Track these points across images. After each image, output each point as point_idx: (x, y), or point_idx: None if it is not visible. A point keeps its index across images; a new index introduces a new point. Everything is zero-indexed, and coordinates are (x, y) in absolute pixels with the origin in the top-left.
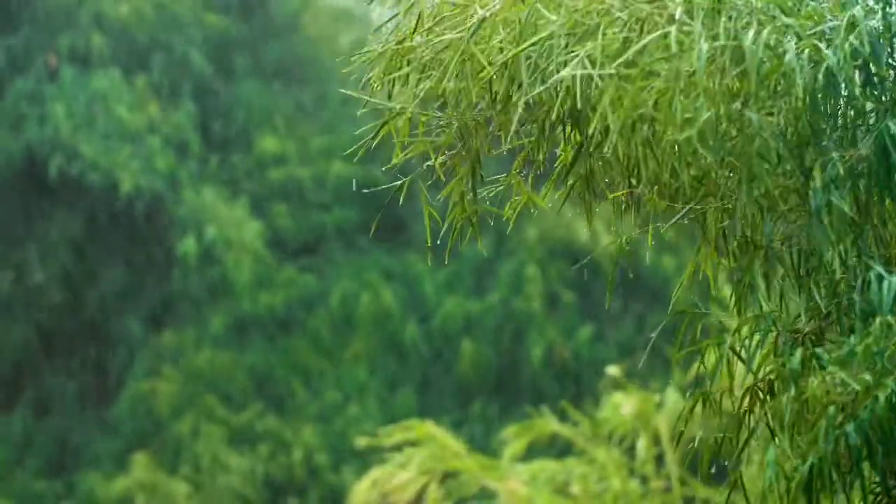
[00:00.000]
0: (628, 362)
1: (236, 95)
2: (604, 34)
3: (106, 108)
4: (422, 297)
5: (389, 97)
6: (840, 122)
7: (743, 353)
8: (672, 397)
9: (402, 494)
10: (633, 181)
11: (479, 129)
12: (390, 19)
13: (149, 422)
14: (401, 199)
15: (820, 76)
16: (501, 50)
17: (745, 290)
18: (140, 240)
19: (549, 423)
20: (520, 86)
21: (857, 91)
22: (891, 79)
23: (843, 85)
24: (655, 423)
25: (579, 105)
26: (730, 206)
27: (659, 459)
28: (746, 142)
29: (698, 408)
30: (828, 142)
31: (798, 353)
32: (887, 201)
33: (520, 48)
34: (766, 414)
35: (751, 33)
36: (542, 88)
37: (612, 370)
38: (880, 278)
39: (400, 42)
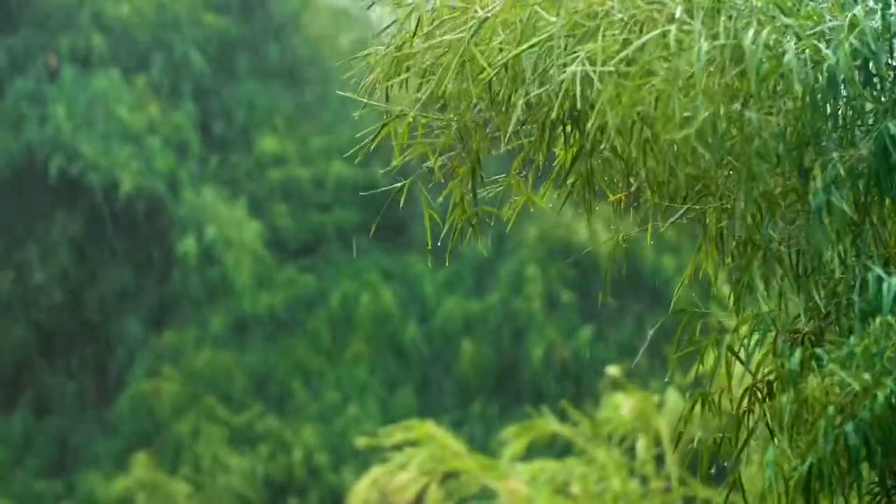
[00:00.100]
0: (628, 362)
1: (236, 95)
2: (603, 35)
3: (106, 108)
4: (422, 298)
5: (387, 99)
6: (840, 122)
7: (742, 353)
8: (672, 397)
9: (402, 495)
10: (633, 180)
11: (478, 131)
12: (390, 26)
13: (149, 422)
14: (401, 202)
15: (820, 76)
16: (501, 51)
17: (743, 290)
18: (140, 240)
19: (549, 423)
20: (520, 86)
21: (858, 91)
22: (890, 79)
23: (842, 85)
24: (655, 424)
25: (579, 105)
26: (729, 205)
27: (659, 459)
28: (745, 141)
29: (698, 408)
30: (827, 142)
31: (797, 353)
32: (887, 201)
33: (520, 49)
34: (764, 414)
35: (750, 33)
36: (542, 90)
37: (612, 370)
38: (879, 279)
39: (400, 47)
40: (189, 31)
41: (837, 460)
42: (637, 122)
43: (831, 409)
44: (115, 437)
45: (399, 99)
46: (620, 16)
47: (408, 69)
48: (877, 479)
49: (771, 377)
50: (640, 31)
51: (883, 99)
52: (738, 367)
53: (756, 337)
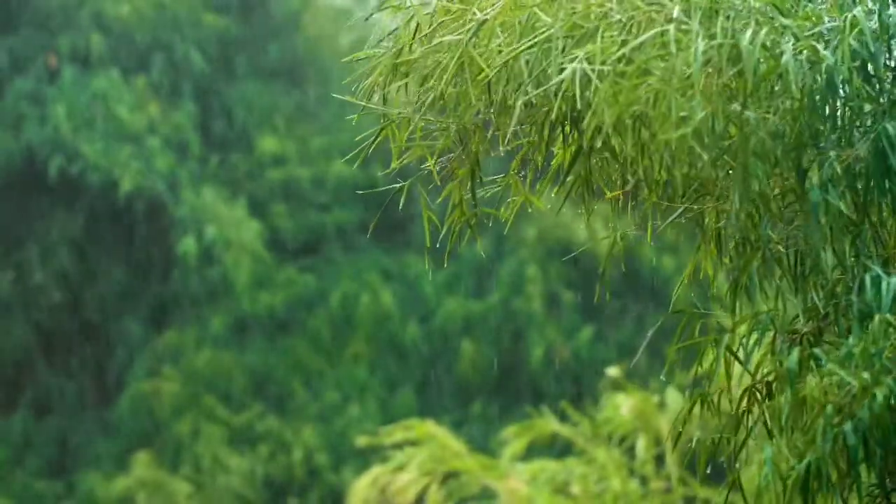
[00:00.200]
0: (628, 362)
1: (236, 95)
2: (602, 37)
3: (106, 108)
4: (422, 298)
5: (384, 102)
6: (838, 123)
7: (740, 353)
8: (673, 397)
9: (403, 496)
10: (631, 179)
11: (477, 133)
12: (391, 33)
13: (149, 422)
14: (401, 204)
15: (819, 77)
16: (500, 52)
17: (741, 290)
18: (140, 240)
19: (549, 423)
20: (518, 87)
21: (856, 92)
22: (889, 80)
23: (841, 86)
24: (656, 424)
25: (579, 105)
26: (727, 206)
27: (659, 460)
28: (742, 141)
29: (697, 408)
30: (826, 142)
31: (795, 352)
32: (886, 201)
33: (519, 49)
34: (763, 414)
35: (748, 33)
36: (540, 90)
37: (612, 371)
38: (878, 279)
39: (398, 52)
40: (189, 31)
41: (836, 460)
42: (634, 122)
43: (830, 408)
44: (116, 437)
45: (397, 101)
46: (619, 17)
47: (407, 73)
48: (876, 480)
49: (770, 377)
50: (639, 32)
51: (882, 100)
52: (737, 368)
53: (755, 337)
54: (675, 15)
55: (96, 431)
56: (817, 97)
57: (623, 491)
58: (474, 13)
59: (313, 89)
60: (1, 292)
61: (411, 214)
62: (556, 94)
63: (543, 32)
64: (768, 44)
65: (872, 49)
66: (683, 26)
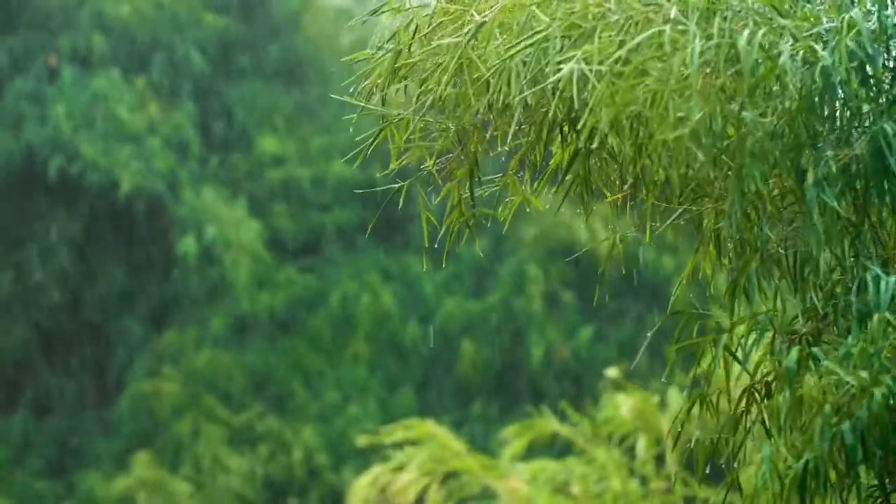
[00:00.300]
0: (628, 362)
1: (236, 95)
2: (600, 37)
3: (106, 108)
4: (422, 298)
5: (383, 102)
6: (837, 123)
7: (739, 354)
8: (674, 397)
9: (403, 496)
10: (630, 179)
11: (476, 133)
12: (391, 38)
13: (149, 422)
14: (399, 204)
15: (816, 77)
16: (499, 56)
17: (740, 291)
18: (140, 240)
19: (549, 423)
20: (516, 87)
21: (854, 92)
22: (887, 80)
23: (839, 86)
24: (656, 424)
25: (576, 105)
26: (726, 206)
27: (660, 460)
28: (740, 142)
29: (696, 409)
30: (824, 143)
31: (794, 352)
32: (885, 202)
33: (517, 49)
34: (761, 413)
35: (745, 34)
36: (537, 88)
37: (611, 372)
38: (877, 279)
39: (398, 54)
40: (189, 31)
41: (835, 460)
42: (631, 122)
43: (828, 408)
44: (116, 437)
45: (396, 102)
46: (616, 17)
47: (406, 75)
48: (876, 480)
49: (769, 377)
50: (637, 32)
51: (880, 100)
52: (737, 368)
53: (753, 337)
54: (672, 16)
55: (96, 431)
56: (815, 98)
57: (623, 491)
58: (472, 15)
59: (313, 89)
60: (1, 292)
61: (411, 215)
62: (553, 93)
63: (541, 32)
64: (765, 44)
65: (870, 50)
66: (680, 27)
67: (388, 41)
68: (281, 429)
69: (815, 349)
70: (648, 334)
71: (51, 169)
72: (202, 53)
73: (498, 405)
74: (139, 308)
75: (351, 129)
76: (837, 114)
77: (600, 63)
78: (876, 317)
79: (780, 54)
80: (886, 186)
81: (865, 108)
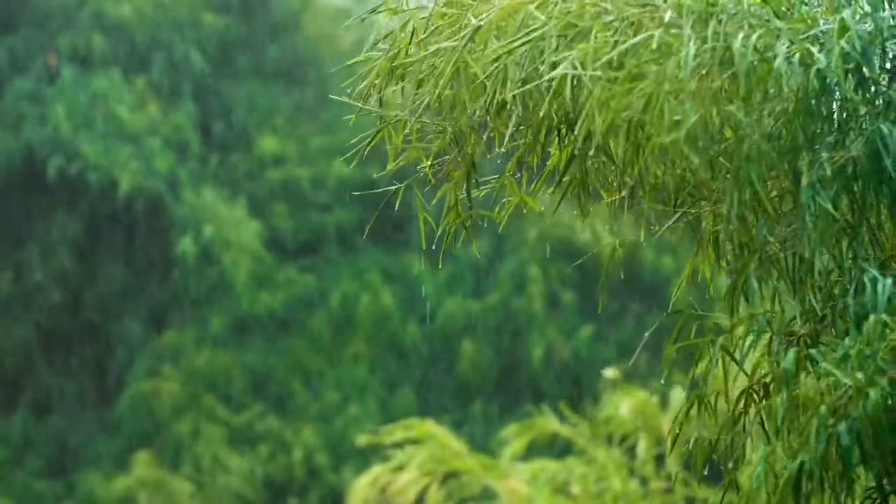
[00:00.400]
0: (627, 363)
1: (236, 95)
2: (595, 37)
3: (106, 108)
4: (422, 298)
5: (381, 104)
6: (834, 125)
7: (737, 355)
8: (676, 396)
9: (403, 496)
10: (628, 181)
11: (473, 135)
12: (386, 36)
13: (149, 422)
14: (396, 205)
15: (812, 79)
16: (496, 60)
17: (739, 293)
18: (140, 240)
19: (549, 423)
20: (511, 85)
21: (849, 94)
22: (884, 82)
23: (835, 88)
24: (656, 424)
25: (569, 108)
26: (724, 209)
27: (660, 460)
28: (737, 144)
29: (695, 409)
30: (821, 145)
31: (791, 353)
32: (882, 203)
33: (512, 46)
34: (759, 414)
35: (740, 36)
36: (531, 85)
37: (610, 373)
38: (875, 280)
39: (395, 55)
40: (189, 31)
41: (831, 461)
42: (627, 125)
43: (824, 409)
44: (116, 437)
45: (394, 103)
46: (612, 17)
47: (403, 76)
48: (874, 482)
49: (767, 379)
50: (633, 33)
51: (877, 101)
52: (735, 369)
53: (751, 338)
54: (666, 19)
55: (96, 431)
56: (812, 100)
57: (623, 491)
58: (469, 19)
59: (313, 89)
60: (1, 292)
61: (411, 215)
62: (547, 91)
63: (537, 30)
64: (761, 47)
65: (864, 51)
66: (674, 30)
67: (382, 41)
68: (281, 429)
69: (812, 351)
70: (646, 334)
71: (50, 169)
72: (202, 53)
73: (498, 405)
74: (139, 308)
75: (354, 125)
76: (834, 115)
77: (595, 63)
78: (872, 318)
79: (775, 57)
80: (883, 188)
81: (862, 109)
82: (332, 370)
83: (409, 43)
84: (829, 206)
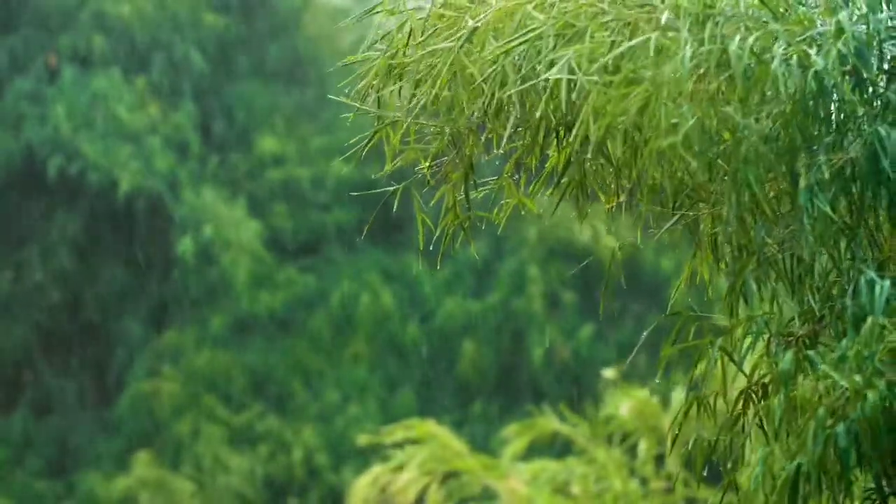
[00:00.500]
0: (625, 363)
1: (236, 95)
2: (592, 37)
3: (106, 108)
4: (422, 298)
5: (378, 105)
6: (832, 126)
7: (736, 356)
8: (677, 396)
9: (403, 495)
10: (626, 184)
11: (471, 136)
12: (385, 36)
13: (149, 422)
14: (394, 206)
15: (809, 81)
16: (494, 62)
17: (737, 294)
18: (140, 240)
19: (550, 422)
20: (508, 85)
21: (847, 96)
22: (881, 83)
23: (832, 90)
24: (657, 423)
25: (564, 108)
26: (722, 211)
27: (660, 460)
28: (734, 146)
29: (694, 410)
30: (819, 146)
31: (789, 354)
32: (880, 205)
33: (509, 45)
34: (758, 415)
35: (737, 39)
36: (528, 84)
37: (609, 373)
38: (872, 282)
39: (392, 56)
40: (189, 31)
41: (829, 463)
42: (625, 129)
43: (822, 410)
44: (116, 436)
45: (392, 104)
46: (609, 18)
47: (401, 77)
48: (872, 483)
49: (766, 380)
50: (630, 33)
51: (875, 103)
52: (735, 370)
53: (749, 340)
54: (663, 21)
55: (96, 431)
56: (810, 101)
57: (623, 491)
58: (467, 21)
59: (313, 89)
60: (1, 292)
61: (411, 215)
62: (544, 91)
63: (535, 30)
64: (757, 49)
65: (861, 53)
66: (671, 34)
67: (380, 41)
68: (281, 429)
69: (810, 352)
70: (644, 335)
71: (51, 169)
72: (202, 53)
73: (498, 405)
74: (139, 308)
75: (354, 125)
76: (832, 117)
77: (591, 64)
78: (869, 321)
79: (772, 59)
80: (881, 189)
81: (860, 111)
82: (332, 370)
83: (407, 44)
84: (828, 209)
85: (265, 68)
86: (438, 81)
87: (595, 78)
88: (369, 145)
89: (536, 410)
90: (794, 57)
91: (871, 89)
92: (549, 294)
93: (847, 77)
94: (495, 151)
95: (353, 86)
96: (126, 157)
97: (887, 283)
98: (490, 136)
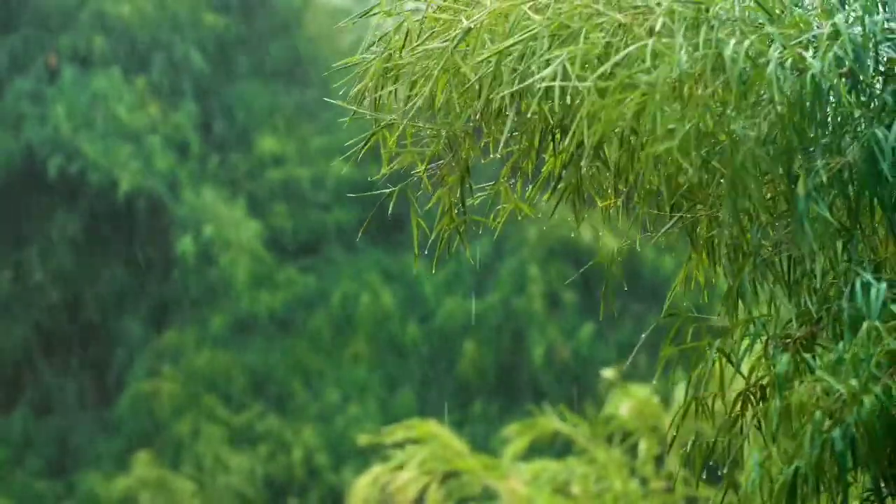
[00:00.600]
0: (625, 363)
1: (236, 95)
2: (586, 38)
3: (106, 108)
4: (422, 298)
5: (375, 107)
6: (829, 129)
7: (733, 357)
8: (679, 396)
9: (403, 494)
10: (623, 187)
11: (468, 140)
12: (381, 37)
13: (149, 422)
14: (390, 209)
15: (807, 83)
16: (489, 61)
17: (734, 296)
18: (140, 240)
19: (550, 422)
20: (502, 87)
21: (843, 98)
22: (878, 85)
23: (828, 93)
24: (659, 424)
25: (557, 108)
26: (719, 214)
27: (661, 459)
28: (732, 146)
29: (693, 412)
30: (816, 149)
31: (785, 358)
32: (877, 207)
33: (503, 45)
34: (756, 416)
35: (732, 43)
36: (522, 85)
37: (608, 373)
38: (868, 285)
39: (388, 58)
40: (189, 30)
41: (825, 466)
42: (621, 133)
43: (818, 414)
44: (116, 436)
45: (389, 106)
46: (604, 19)
47: (397, 79)
48: (871, 485)
49: (764, 382)
50: (625, 35)
51: (871, 106)
52: (733, 371)
53: (746, 341)
54: (657, 27)
55: (96, 431)
56: (806, 104)
57: (624, 491)
58: (462, 22)
59: (313, 89)
60: (1, 292)
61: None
62: (538, 92)
63: (530, 30)
64: (751, 53)
65: (858, 55)
66: (664, 40)
67: (377, 43)
68: (281, 428)
69: (807, 355)
70: (643, 336)
71: (51, 168)
72: (202, 53)
73: (498, 405)
74: (139, 308)
75: (354, 125)
76: (829, 119)
77: (585, 65)
78: (865, 326)
79: (768, 62)
80: (879, 191)
81: (857, 113)
82: (332, 370)
83: (403, 46)
84: (827, 214)
85: (265, 68)
86: (433, 83)
87: (589, 83)
88: (366, 148)
89: (537, 410)
90: (790, 60)
91: (867, 91)
92: (549, 294)
93: (843, 79)
94: (492, 155)
95: (350, 87)
96: (126, 157)
97: (883, 285)
98: (487, 140)
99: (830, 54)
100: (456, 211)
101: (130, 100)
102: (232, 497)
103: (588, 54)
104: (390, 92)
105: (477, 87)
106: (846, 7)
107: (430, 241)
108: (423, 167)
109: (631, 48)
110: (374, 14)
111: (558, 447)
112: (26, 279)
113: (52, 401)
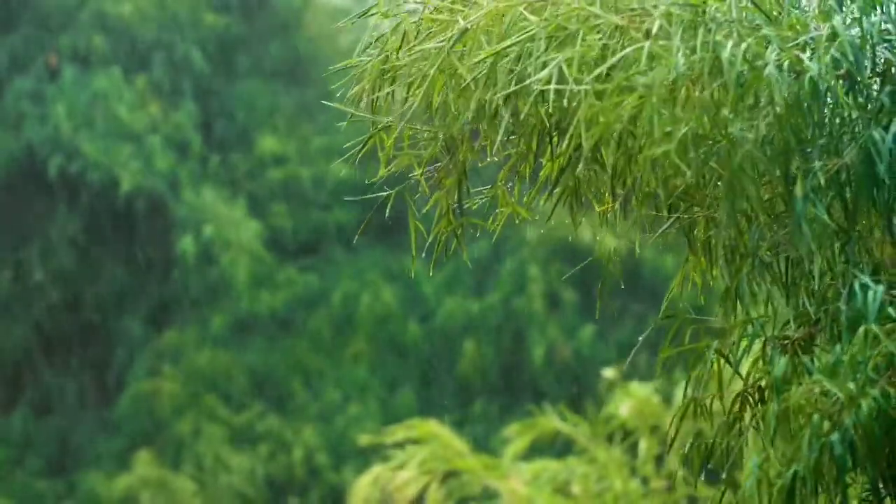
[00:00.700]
0: (625, 363)
1: (236, 95)
2: (583, 40)
3: (106, 107)
4: (422, 297)
5: (373, 109)
6: (826, 130)
7: (732, 359)
8: (679, 396)
9: (403, 494)
10: (620, 190)
11: (465, 142)
12: (378, 38)
13: (149, 422)
14: (387, 211)
15: (805, 84)
16: (485, 61)
17: (732, 298)
18: (140, 240)
19: (550, 422)
20: (498, 88)
21: (841, 100)
22: (875, 87)
23: (826, 94)
24: (660, 423)
25: (551, 109)
26: (716, 215)
27: (661, 459)
28: (728, 151)
29: (692, 413)
30: (814, 150)
31: (783, 360)
32: (874, 208)
33: (500, 46)
34: (755, 417)
35: (729, 45)
36: (519, 86)
37: (608, 372)
38: (866, 287)
39: (385, 59)
40: (189, 30)
41: (823, 468)
42: (619, 136)
43: (816, 417)
44: (116, 436)
45: (386, 109)
46: (601, 21)
47: (393, 80)
48: (869, 486)
49: (762, 383)
50: (622, 37)
51: (868, 107)
52: (732, 373)
53: (745, 343)
54: (654, 30)
55: (97, 431)
56: (804, 105)
57: (624, 490)
58: (458, 21)
59: (313, 89)
60: (1, 292)
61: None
62: (534, 94)
63: (527, 31)
64: (749, 55)
65: (855, 57)
66: (661, 42)
67: (374, 44)
68: (281, 428)
69: (805, 357)
70: (642, 337)
71: (51, 168)
72: (202, 53)
73: (498, 405)
74: (139, 308)
75: (353, 126)
76: (826, 121)
77: (581, 69)
78: (862, 329)
79: (765, 65)
80: (875, 193)
81: (854, 114)
82: (333, 370)
83: (400, 47)
84: (825, 215)
85: (265, 68)
86: (429, 85)
87: (586, 86)
88: (364, 149)
89: (537, 410)
90: (787, 62)
91: (864, 93)
92: (549, 294)
93: (841, 81)
94: (490, 158)
95: (348, 88)
96: (126, 157)
97: (881, 288)
98: (485, 143)
99: (828, 56)
100: (453, 214)
101: (131, 99)
102: (232, 497)
103: (585, 56)
104: (387, 94)
105: (473, 88)
106: (843, 9)
107: (427, 243)
108: (421, 170)
109: (628, 50)
110: (373, 14)
111: (559, 447)
112: (26, 279)
113: (52, 400)
